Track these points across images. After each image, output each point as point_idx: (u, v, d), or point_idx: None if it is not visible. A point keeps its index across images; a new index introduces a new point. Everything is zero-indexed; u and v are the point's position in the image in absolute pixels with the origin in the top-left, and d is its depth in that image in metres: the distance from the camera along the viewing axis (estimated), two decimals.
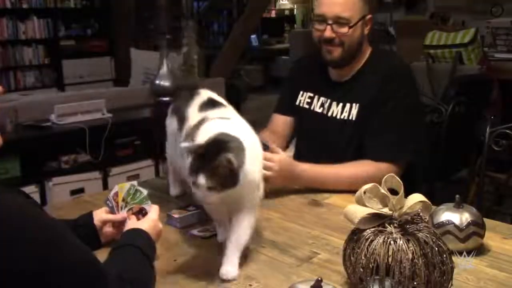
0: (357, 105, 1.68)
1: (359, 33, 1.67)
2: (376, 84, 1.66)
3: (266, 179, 1.49)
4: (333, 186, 1.60)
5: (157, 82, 3.49)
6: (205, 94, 1.38)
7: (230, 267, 1.13)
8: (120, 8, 6.66)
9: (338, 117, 1.72)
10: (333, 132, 1.72)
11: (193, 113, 1.30)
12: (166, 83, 3.48)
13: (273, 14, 10.11)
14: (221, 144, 1.08)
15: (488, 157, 1.93)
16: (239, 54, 5.60)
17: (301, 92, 1.85)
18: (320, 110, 1.78)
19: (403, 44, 5.45)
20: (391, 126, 1.63)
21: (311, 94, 1.82)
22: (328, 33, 1.65)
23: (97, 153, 3.02)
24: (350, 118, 1.69)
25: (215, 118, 1.21)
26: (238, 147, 1.09)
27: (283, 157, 1.58)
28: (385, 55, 1.82)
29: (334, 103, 1.74)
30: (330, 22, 1.64)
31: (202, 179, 1.06)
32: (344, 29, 1.64)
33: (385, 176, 1.04)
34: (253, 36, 8.54)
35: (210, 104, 1.32)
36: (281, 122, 1.90)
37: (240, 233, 1.17)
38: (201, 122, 1.21)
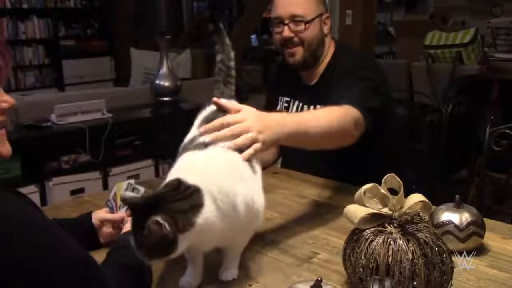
0: (322, 104, 1.70)
1: (317, 31, 1.72)
2: (336, 78, 1.69)
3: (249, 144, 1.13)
4: (318, 129, 1.33)
5: (157, 82, 3.53)
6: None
7: (229, 269, 1.12)
8: (120, 8, 6.66)
9: None
10: None
11: (194, 128, 1.18)
12: (166, 83, 3.50)
13: None
14: (158, 201, 0.90)
15: (488, 157, 1.93)
16: (239, 54, 5.60)
17: (280, 98, 1.89)
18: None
19: (403, 44, 5.45)
20: (354, 84, 1.60)
21: (288, 99, 1.86)
22: (286, 32, 1.70)
23: (97, 153, 3.02)
24: None
25: (196, 145, 1.08)
26: (183, 206, 0.91)
27: (245, 107, 1.19)
28: (346, 52, 1.81)
29: (306, 107, 1.78)
30: (286, 22, 1.69)
31: (133, 243, 0.91)
32: (301, 27, 1.69)
33: (385, 176, 1.04)
34: (253, 36, 8.54)
35: (210, 120, 1.13)
36: None
37: (236, 247, 1.12)
38: (185, 147, 1.11)
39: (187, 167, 1.02)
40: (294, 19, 1.69)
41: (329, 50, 1.79)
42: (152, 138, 3.33)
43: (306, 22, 1.69)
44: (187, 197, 0.93)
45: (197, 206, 0.94)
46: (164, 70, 3.52)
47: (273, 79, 2.01)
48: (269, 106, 1.95)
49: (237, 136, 1.09)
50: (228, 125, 1.10)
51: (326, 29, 1.75)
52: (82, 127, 2.95)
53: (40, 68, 6.41)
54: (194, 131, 1.16)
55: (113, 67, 6.82)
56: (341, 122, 1.40)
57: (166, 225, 0.87)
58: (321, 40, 1.74)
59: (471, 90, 3.38)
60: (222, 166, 1.03)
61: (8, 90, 5.76)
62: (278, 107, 1.89)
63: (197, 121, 1.18)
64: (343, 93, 1.55)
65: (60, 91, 6.15)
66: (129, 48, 5.12)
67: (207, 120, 1.14)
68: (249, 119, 1.13)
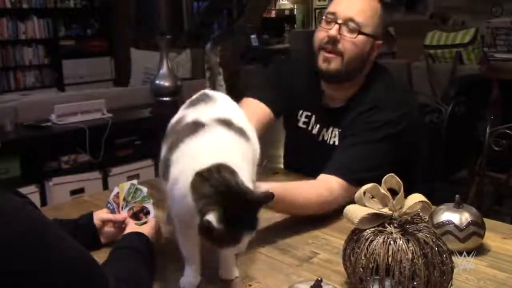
0: (339, 130, 1.60)
1: (363, 50, 1.54)
2: (360, 111, 1.55)
3: None
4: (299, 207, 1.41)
5: (157, 82, 3.53)
6: (204, 92, 1.22)
7: (228, 269, 1.12)
8: (120, 8, 6.66)
9: (328, 142, 1.64)
10: (322, 157, 1.58)
11: (180, 109, 1.19)
12: (166, 83, 3.50)
13: (273, 14, 10.12)
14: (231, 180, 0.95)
15: (488, 157, 1.93)
16: (239, 54, 5.60)
17: (300, 112, 1.72)
18: (315, 132, 1.69)
19: (403, 44, 5.45)
20: (354, 148, 1.50)
21: (309, 113, 1.71)
22: (334, 31, 1.51)
23: (97, 153, 3.02)
24: (335, 143, 1.61)
25: (190, 127, 1.07)
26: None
27: None
28: (380, 81, 1.61)
29: (325, 129, 1.66)
30: (340, 21, 1.51)
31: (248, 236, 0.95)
32: (353, 35, 1.51)
33: (385, 176, 1.04)
34: (253, 36, 8.55)
35: (197, 99, 1.17)
36: (259, 109, 1.68)
37: None
38: (173, 129, 1.12)
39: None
40: (349, 23, 1.51)
41: (363, 76, 1.61)
42: (152, 138, 3.31)
43: (360, 32, 1.51)
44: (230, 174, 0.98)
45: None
46: (164, 70, 3.52)
47: (289, 84, 1.73)
48: (269, 91, 1.73)
49: None
50: None
51: (372, 55, 1.57)
52: (82, 127, 2.95)
53: (40, 68, 6.40)
54: (181, 112, 1.16)
55: (113, 67, 6.82)
56: (320, 203, 1.40)
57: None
58: (362, 63, 1.56)
59: (471, 90, 3.37)
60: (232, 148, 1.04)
61: (8, 90, 5.77)
62: (299, 123, 1.71)
63: (184, 105, 1.20)
64: (348, 163, 1.47)
65: (60, 91, 6.15)
66: (129, 48, 5.12)
67: (192, 103, 1.18)
68: None
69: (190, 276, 1.09)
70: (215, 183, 0.94)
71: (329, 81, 1.62)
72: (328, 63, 1.54)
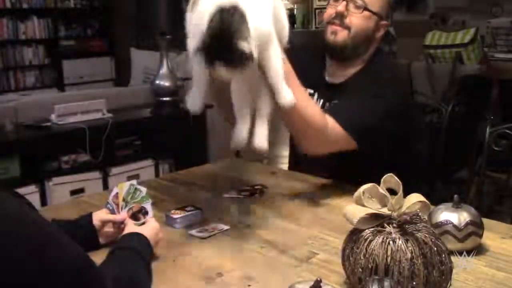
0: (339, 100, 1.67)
1: (369, 26, 1.65)
2: (362, 84, 1.64)
3: None
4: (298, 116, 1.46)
5: (157, 82, 3.53)
6: None
7: (261, 139, 1.25)
8: (120, 8, 6.65)
9: None
10: None
11: None
12: (166, 83, 3.50)
13: None
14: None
15: (488, 157, 1.93)
16: None
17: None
18: None
19: (403, 44, 5.44)
20: (354, 103, 1.58)
21: (312, 91, 1.76)
22: (341, 7, 1.63)
23: (97, 153, 3.02)
24: None
25: None
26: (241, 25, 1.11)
27: None
28: (382, 62, 1.73)
29: (327, 103, 1.71)
30: None
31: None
32: (359, 11, 1.62)
33: (384, 176, 1.05)
34: None
35: None
36: None
37: (263, 104, 1.29)
38: None
39: None
40: (356, 0, 1.62)
41: (367, 56, 1.70)
42: (152, 138, 3.33)
43: (365, 9, 1.62)
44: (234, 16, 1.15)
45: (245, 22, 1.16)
46: (164, 70, 3.52)
47: (298, 60, 1.73)
48: None
49: None
50: None
51: (378, 35, 1.68)
52: (82, 127, 2.95)
53: (40, 68, 6.39)
54: None
55: (113, 67, 6.81)
56: (317, 119, 1.47)
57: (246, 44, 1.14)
58: (367, 40, 1.67)
59: (471, 90, 3.38)
60: None
61: (8, 90, 5.75)
62: None
63: None
64: (342, 107, 1.57)
65: (60, 91, 6.14)
66: (129, 48, 5.11)
67: None
68: None
69: (195, 97, 1.28)
70: (225, 21, 1.09)
71: (335, 56, 1.70)
72: (335, 35, 1.65)
